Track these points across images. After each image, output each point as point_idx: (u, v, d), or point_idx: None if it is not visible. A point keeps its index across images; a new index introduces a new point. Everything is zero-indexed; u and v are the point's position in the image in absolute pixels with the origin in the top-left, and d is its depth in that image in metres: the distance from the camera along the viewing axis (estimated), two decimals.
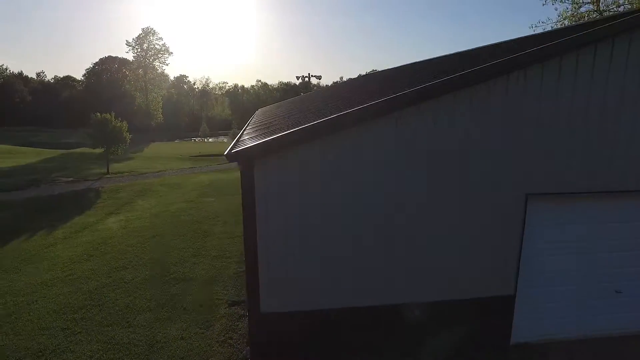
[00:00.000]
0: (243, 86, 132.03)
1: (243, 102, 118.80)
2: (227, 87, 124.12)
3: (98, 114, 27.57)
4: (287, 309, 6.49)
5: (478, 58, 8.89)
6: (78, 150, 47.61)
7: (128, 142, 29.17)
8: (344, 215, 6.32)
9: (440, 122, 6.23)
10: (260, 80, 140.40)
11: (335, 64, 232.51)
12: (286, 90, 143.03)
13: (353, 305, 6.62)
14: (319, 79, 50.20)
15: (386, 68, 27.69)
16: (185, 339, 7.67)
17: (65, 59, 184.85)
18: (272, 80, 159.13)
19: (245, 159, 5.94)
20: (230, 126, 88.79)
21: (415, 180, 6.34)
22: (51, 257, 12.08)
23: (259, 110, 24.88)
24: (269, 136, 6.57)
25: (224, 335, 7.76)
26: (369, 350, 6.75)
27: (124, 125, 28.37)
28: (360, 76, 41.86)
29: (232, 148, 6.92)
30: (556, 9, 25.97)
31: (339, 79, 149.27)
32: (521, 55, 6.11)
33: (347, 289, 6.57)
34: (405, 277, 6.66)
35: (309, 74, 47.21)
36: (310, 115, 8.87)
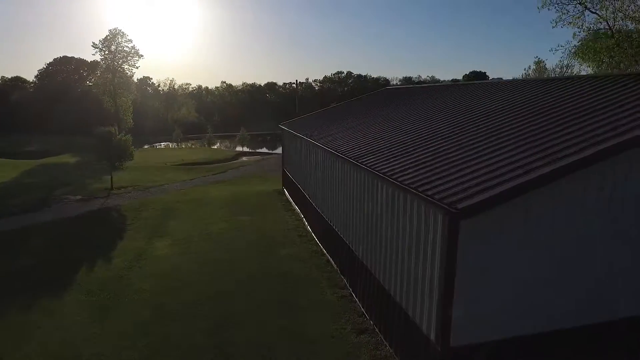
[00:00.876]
0: (207, 87, 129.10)
1: (207, 104, 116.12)
2: (190, 89, 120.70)
3: (102, 127, 26.38)
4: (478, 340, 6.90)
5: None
6: (52, 159, 44.86)
7: (134, 156, 28.11)
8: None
9: None
10: (225, 82, 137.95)
11: (293, 66, 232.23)
12: (251, 92, 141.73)
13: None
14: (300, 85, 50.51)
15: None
16: None
17: (13, 59, 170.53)
18: (237, 82, 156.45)
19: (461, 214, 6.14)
20: (200, 130, 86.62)
21: None
22: (141, 295, 11.66)
23: (295, 122, 23.07)
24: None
25: None
26: None
27: (129, 139, 27.32)
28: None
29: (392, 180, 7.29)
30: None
31: (295, 82, 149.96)
32: None
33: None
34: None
35: (296, 80, 47.34)
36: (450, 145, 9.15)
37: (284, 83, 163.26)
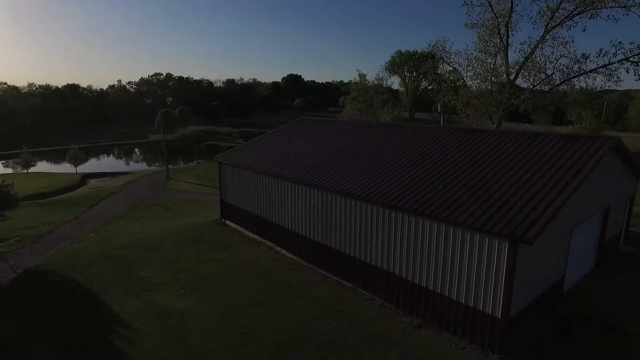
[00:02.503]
0: None
1: None
2: None
3: None
4: None
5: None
6: None
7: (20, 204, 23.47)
8: None
9: None
10: (6, 83, 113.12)
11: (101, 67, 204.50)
12: (47, 95, 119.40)
13: None
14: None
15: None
16: None
17: None
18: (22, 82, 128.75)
19: None
20: None
21: None
22: None
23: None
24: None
25: None
26: None
27: (10, 183, 22.87)
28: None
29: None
30: None
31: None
32: None
33: None
34: None
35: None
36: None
37: (89, 85, 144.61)
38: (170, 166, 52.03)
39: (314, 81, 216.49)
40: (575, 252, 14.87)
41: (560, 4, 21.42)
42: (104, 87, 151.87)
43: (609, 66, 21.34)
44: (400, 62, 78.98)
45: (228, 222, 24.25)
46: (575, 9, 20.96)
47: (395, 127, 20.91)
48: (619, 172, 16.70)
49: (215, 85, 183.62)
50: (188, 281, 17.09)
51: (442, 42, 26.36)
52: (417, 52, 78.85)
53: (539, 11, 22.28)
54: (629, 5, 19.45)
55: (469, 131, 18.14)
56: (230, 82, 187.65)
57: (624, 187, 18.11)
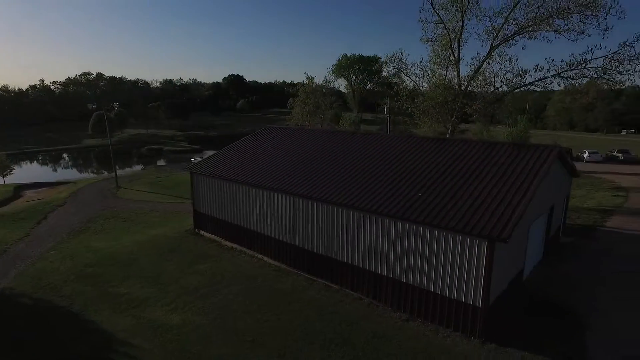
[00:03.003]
0: None
1: None
2: None
3: None
4: None
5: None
6: None
7: None
8: None
9: None
10: None
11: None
12: None
13: None
14: None
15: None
16: None
17: None
18: None
19: None
20: None
21: None
22: None
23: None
24: None
25: None
26: None
27: None
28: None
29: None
30: None
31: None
32: None
33: None
34: None
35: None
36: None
37: (4, 85, 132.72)
38: (110, 173, 49.63)
39: (257, 82, 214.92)
40: (531, 246, 17.22)
41: (503, 24, 24.22)
42: (24, 87, 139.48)
43: (544, 79, 24.58)
44: (347, 65, 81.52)
45: (202, 232, 24.27)
46: (517, 31, 23.87)
47: (367, 136, 22.35)
48: (560, 174, 19.46)
49: (152, 86, 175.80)
50: (177, 294, 17.20)
51: (398, 54, 28.29)
52: (362, 56, 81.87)
53: (485, 30, 25.01)
54: (560, 30, 22.62)
55: (435, 140, 20.05)
56: (168, 83, 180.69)
57: (563, 186, 21.07)
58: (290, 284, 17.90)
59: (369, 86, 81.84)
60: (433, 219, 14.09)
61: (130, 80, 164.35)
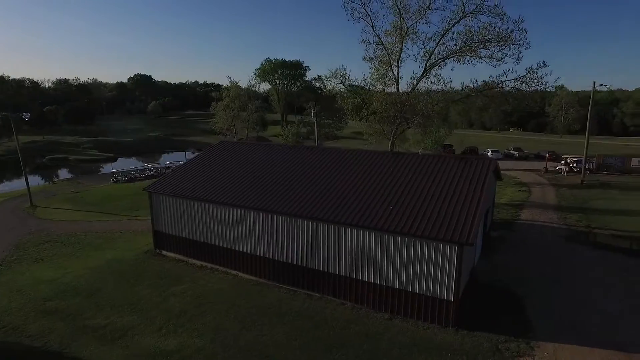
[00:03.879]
0: None
1: None
2: None
3: None
4: None
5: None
6: None
7: None
8: None
9: None
10: None
11: None
12: None
13: None
14: None
15: None
16: None
17: None
18: None
19: None
20: None
21: None
22: None
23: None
24: None
25: None
26: None
27: None
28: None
29: None
30: None
31: None
32: None
33: None
34: None
35: None
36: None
37: None
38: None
39: (167, 82, 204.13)
40: (477, 244, 20.50)
41: (434, 48, 27.74)
42: None
43: (470, 96, 28.74)
44: (271, 69, 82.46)
45: (165, 252, 23.86)
46: (446, 55, 27.50)
47: (325, 151, 24.06)
48: (492, 180, 23.21)
49: (42, 86, 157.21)
50: (164, 319, 17.17)
51: (342, 70, 30.42)
52: (285, 61, 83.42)
53: (420, 52, 28.39)
54: (482, 56, 26.77)
55: (392, 154, 22.53)
56: (62, 83, 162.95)
57: (493, 189, 25.03)
58: (275, 297, 18.91)
59: (294, 89, 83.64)
60: (408, 229, 16.33)
61: (14, 79, 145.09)
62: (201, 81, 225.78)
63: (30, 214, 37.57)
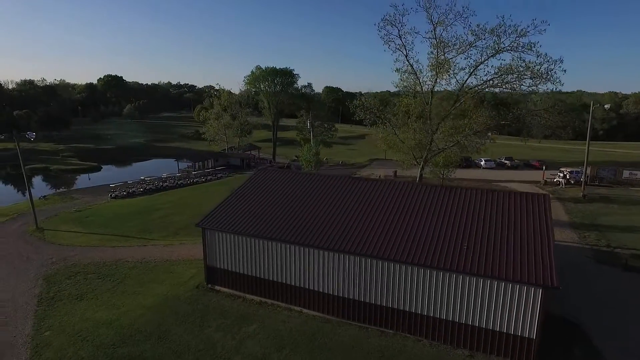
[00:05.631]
0: None
1: None
2: None
3: None
4: None
5: None
6: None
7: None
8: None
9: None
10: None
11: None
12: None
13: None
14: None
15: None
16: None
17: None
18: None
19: None
20: None
21: None
22: None
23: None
24: None
25: None
26: None
27: None
28: None
29: None
30: None
31: None
32: None
33: None
34: None
35: None
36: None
37: None
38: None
39: (138, 83, 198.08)
40: None
41: (466, 80, 28.93)
42: None
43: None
44: (261, 77, 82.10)
45: (219, 287, 23.69)
46: (477, 85, 28.75)
47: (378, 182, 24.59)
48: None
49: (4, 87, 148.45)
50: None
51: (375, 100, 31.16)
52: (276, 68, 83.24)
53: (451, 81, 29.58)
54: (515, 88, 27.82)
55: (444, 188, 23.35)
56: (28, 84, 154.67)
57: None
58: (348, 335, 19.32)
59: (284, 96, 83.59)
60: (489, 271, 17.18)
61: None
62: (174, 82, 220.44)
63: (41, 239, 36.01)
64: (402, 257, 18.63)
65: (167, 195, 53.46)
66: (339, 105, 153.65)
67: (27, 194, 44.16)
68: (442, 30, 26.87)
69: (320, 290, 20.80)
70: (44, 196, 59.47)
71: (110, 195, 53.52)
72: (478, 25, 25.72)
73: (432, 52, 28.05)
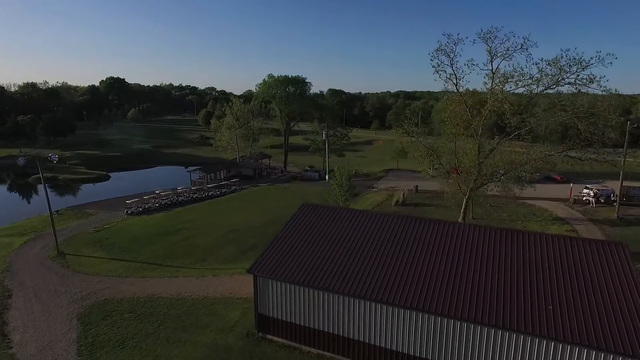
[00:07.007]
0: None
1: None
2: None
3: None
4: None
5: None
6: None
7: None
8: None
9: None
10: None
11: None
12: None
13: None
14: None
15: None
16: None
17: None
18: None
19: None
20: None
21: None
22: None
23: None
24: None
25: None
26: None
27: None
28: None
29: None
30: None
31: None
32: None
33: None
34: None
35: None
36: None
37: None
38: None
39: (140, 84, 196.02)
40: None
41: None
42: None
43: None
44: (274, 85, 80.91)
45: (271, 337, 22.38)
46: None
47: (437, 224, 23.23)
48: None
49: (7, 89, 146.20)
50: None
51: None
52: (288, 76, 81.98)
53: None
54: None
55: (509, 231, 22.08)
56: (30, 87, 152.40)
57: None
58: None
59: (297, 106, 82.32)
60: (585, 339, 15.96)
61: None
62: (175, 84, 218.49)
63: (64, 266, 34.61)
64: (478, 317, 17.40)
65: (186, 213, 51.95)
66: (343, 107, 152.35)
67: (36, 205, 42.64)
68: (499, 62, 25.82)
69: (387, 347, 19.54)
70: (57, 211, 57.70)
71: (127, 212, 52.03)
72: (542, 59, 24.59)
73: (486, 83, 26.98)
